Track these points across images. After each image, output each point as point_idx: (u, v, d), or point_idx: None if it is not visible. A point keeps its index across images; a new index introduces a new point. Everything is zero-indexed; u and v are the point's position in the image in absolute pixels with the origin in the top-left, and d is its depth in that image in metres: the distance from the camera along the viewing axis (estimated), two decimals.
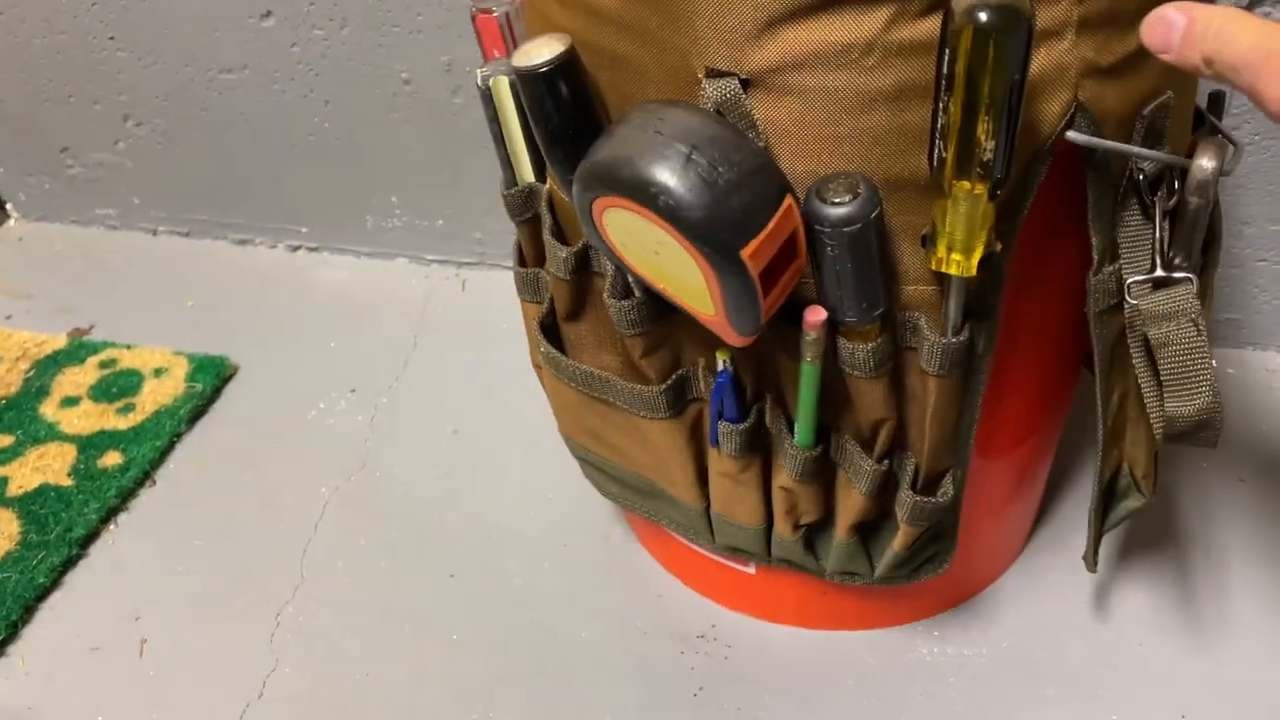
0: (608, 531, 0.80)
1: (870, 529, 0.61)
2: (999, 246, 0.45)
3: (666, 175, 0.41)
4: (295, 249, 1.15)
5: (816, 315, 0.48)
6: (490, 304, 1.05)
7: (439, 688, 0.71)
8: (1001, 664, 0.69)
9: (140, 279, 1.13)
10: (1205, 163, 0.44)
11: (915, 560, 0.61)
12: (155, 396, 0.95)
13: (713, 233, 0.41)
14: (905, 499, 0.56)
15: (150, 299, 1.10)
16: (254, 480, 0.87)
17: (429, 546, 0.80)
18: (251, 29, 0.98)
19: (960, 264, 0.44)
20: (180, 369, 0.98)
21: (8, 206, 1.24)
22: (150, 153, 1.13)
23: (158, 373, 0.97)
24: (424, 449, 0.89)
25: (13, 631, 0.76)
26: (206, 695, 0.72)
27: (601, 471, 0.68)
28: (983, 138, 0.40)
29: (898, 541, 0.59)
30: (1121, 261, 0.50)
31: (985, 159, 0.40)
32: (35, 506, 0.85)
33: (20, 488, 0.86)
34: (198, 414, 0.94)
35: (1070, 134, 0.44)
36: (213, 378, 0.96)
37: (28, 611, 0.78)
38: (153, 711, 0.71)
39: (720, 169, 0.41)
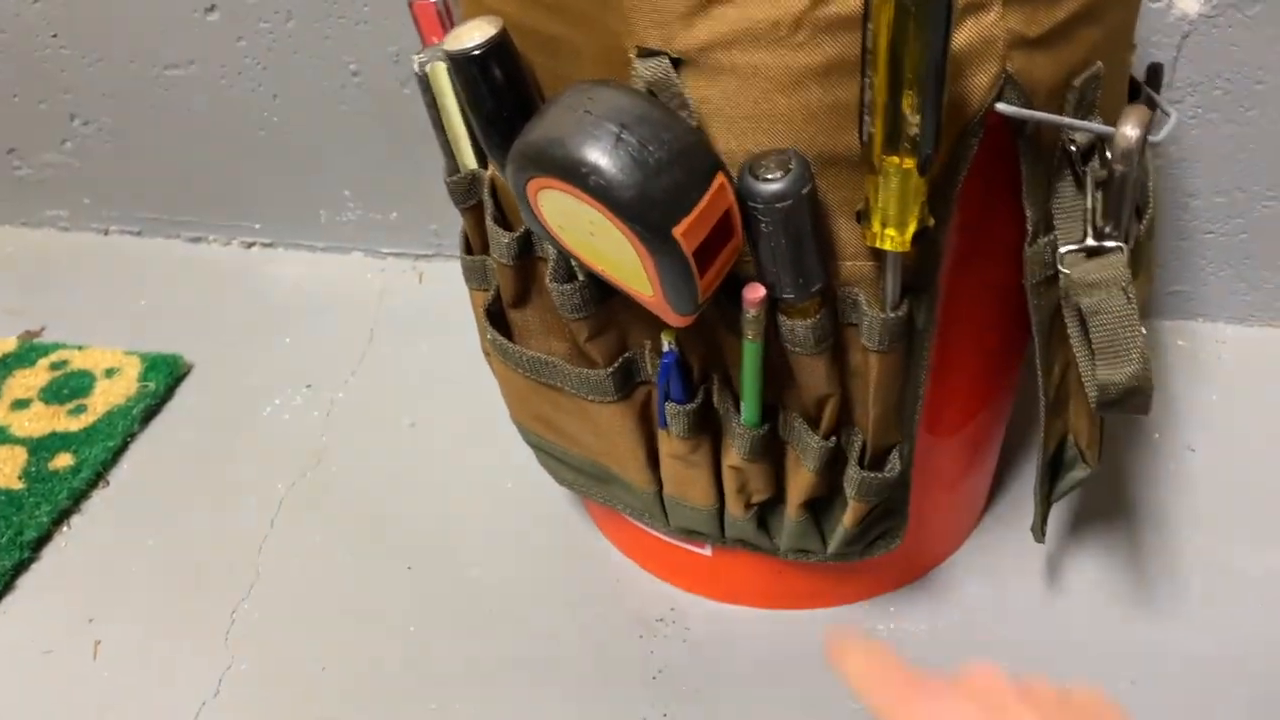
0: (565, 518, 0.80)
1: (821, 506, 0.62)
2: (932, 222, 0.45)
3: (597, 155, 0.41)
4: (249, 245, 1.14)
5: (755, 293, 0.48)
6: (447, 295, 1.04)
7: (397, 680, 0.71)
8: (956, 639, 0.70)
9: (92, 279, 1.12)
10: (1129, 131, 0.44)
11: (867, 537, 0.62)
12: (107, 397, 0.94)
13: (644, 212, 0.41)
14: (853, 475, 0.56)
15: (102, 299, 1.08)
16: (208, 478, 0.87)
17: (386, 540, 0.80)
18: (196, 24, 0.97)
19: (894, 239, 0.45)
20: (133, 369, 0.96)
21: None
22: (99, 152, 1.11)
23: (110, 373, 0.96)
24: (380, 442, 0.88)
25: None
26: (162, 695, 0.71)
27: (554, 458, 0.68)
28: (908, 112, 0.40)
29: (848, 518, 0.59)
30: (1056, 232, 0.50)
31: (912, 133, 0.41)
32: None
33: None
34: (151, 413, 0.93)
35: (1000, 106, 0.44)
36: (166, 377, 0.95)
37: None
38: (107, 713, 0.70)
39: (650, 148, 0.41)
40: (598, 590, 0.75)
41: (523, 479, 0.82)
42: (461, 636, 0.73)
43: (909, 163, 0.42)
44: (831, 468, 0.58)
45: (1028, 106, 0.45)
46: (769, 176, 0.43)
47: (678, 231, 0.42)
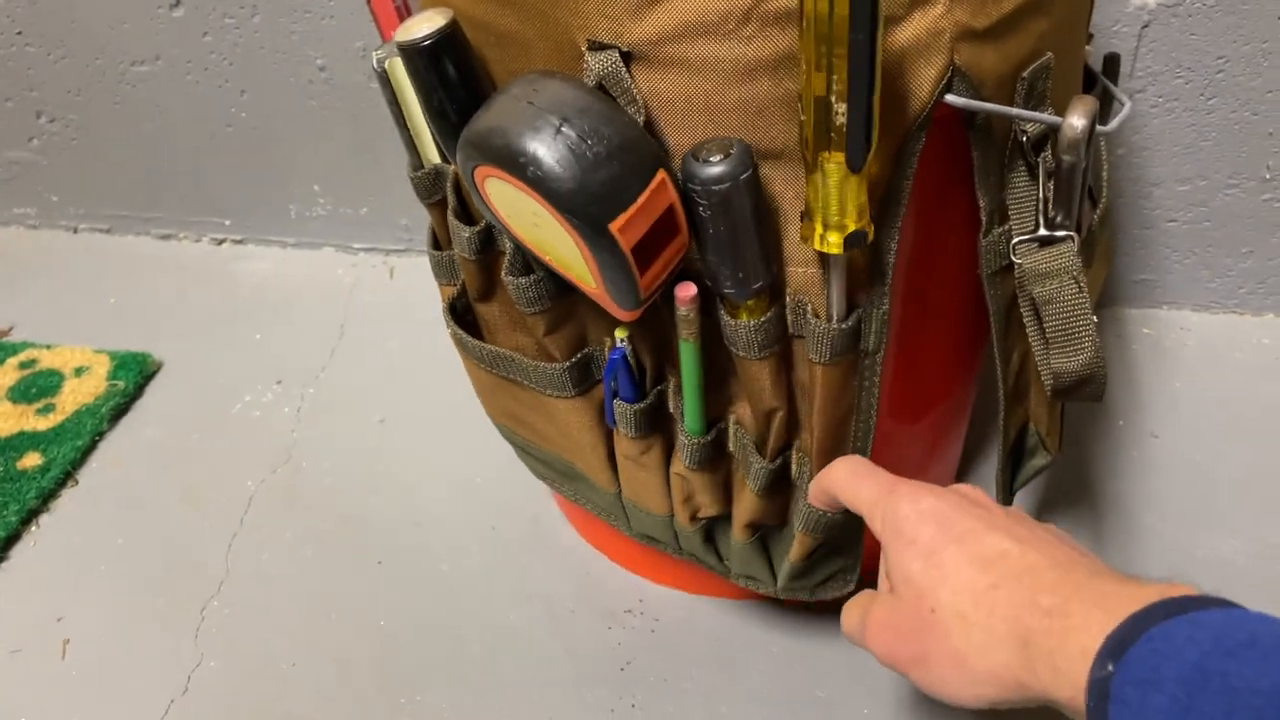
0: (535, 513, 0.80)
1: (772, 534, 0.61)
2: (871, 228, 0.44)
3: (535, 145, 0.41)
4: (219, 242, 1.14)
5: (686, 290, 0.48)
6: (419, 291, 1.04)
7: (367, 676, 0.71)
8: None
9: (61, 278, 1.11)
10: (1075, 121, 0.45)
11: (815, 575, 0.60)
12: (76, 396, 0.93)
13: (581, 205, 0.41)
14: (802, 506, 0.55)
15: (71, 298, 1.08)
16: (178, 477, 0.87)
17: (356, 536, 0.80)
18: (161, 19, 0.97)
19: (834, 243, 0.44)
20: (102, 367, 0.96)
21: None
22: (66, 149, 1.11)
23: (78, 372, 0.96)
24: (351, 439, 0.88)
25: None
26: (131, 694, 0.71)
27: (527, 453, 0.68)
28: (834, 102, 0.40)
29: (794, 551, 0.58)
30: (1011, 223, 0.51)
31: (839, 124, 0.40)
32: None
33: None
34: (120, 412, 0.93)
35: (949, 98, 0.44)
36: (135, 375, 0.95)
37: None
38: (76, 712, 0.70)
39: (590, 141, 0.41)
40: (567, 584, 0.75)
41: (492, 475, 0.83)
42: (431, 631, 0.73)
43: (838, 157, 0.41)
44: (778, 493, 0.57)
45: (977, 98, 0.45)
46: (709, 159, 0.43)
47: (614, 227, 0.42)
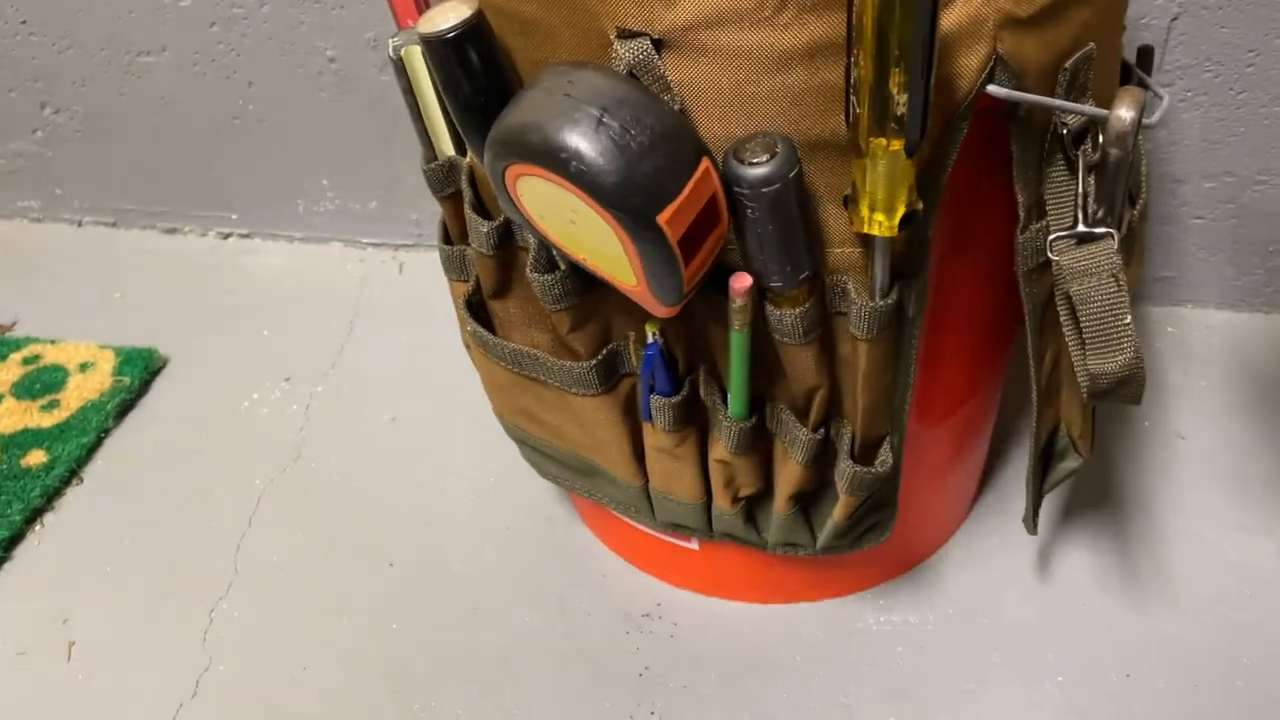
0: (550, 513, 0.79)
1: (810, 499, 0.60)
2: (920, 206, 0.44)
3: (577, 140, 0.39)
4: (226, 236, 1.12)
5: (742, 282, 0.46)
6: (428, 287, 1.02)
7: (378, 680, 0.69)
8: (947, 631, 0.69)
9: (65, 272, 1.10)
10: (1123, 113, 0.43)
11: (856, 530, 0.61)
12: (81, 392, 0.92)
13: (627, 198, 0.40)
14: (844, 469, 0.55)
15: (76, 292, 1.06)
16: (185, 475, 0.85)
17: (367, 536, 0.79)
18: (169, 9, 0.95)
19: (882, 224, 0.43)
20: (107, 363, 0.95)
21: None
22: (71, 141, 1.09)
23: (83, 367, 0.94)
24: (361, 437, 0.87)
25: None
26: (139, 697, 0.69)
27: (538, 452, 0.67)
28: (895, 92, 0.39)
29: (838, 512, 0.58)
30: (1048, 218, 0.49)
31: (899, 114, 0.39)
32: None
33: None
34: (126, 408, 0.91)
35: (991, 88, 0.43)
36: (141, 371, 0.94)
37: None
38: (82, 715, 0.69)
39: (632, 132, 0.40)
40: (583, 586, 0.74)
41: (506, 473, 0.81)
42: (444, 634, 0.71)
43: (896, 145, 0.41)
44: (820, 460, 0.56)
45: (1018, 89, 0.44)
46: (754, 160, 0.42)
47: (662, 219, 0.40)
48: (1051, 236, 0.49)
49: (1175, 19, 0.77)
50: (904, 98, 0.39)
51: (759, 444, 0.57)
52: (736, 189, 0.43)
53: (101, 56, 1.00)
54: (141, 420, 0.91)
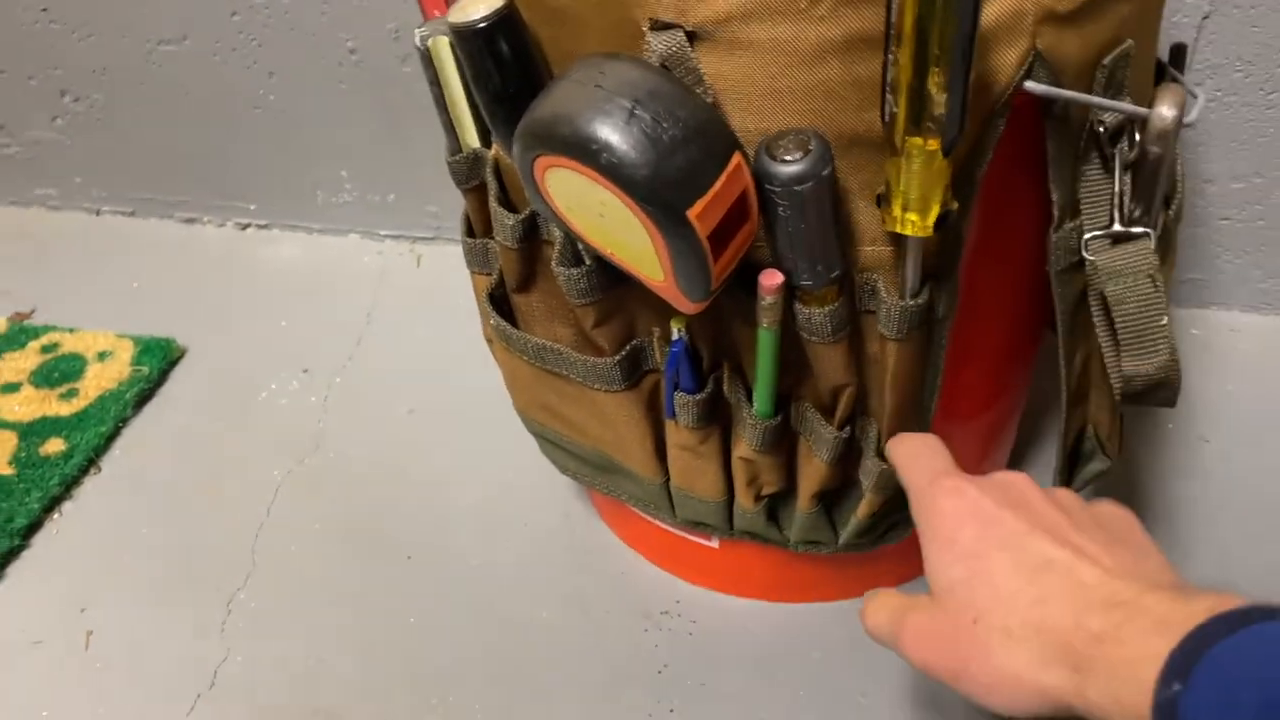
0: (568, 509, 0.78)
1: (833, 497, 0.60)
2: (955, 205, 0.43)
3: (608, 131, 0.39)
4: (244, 227, 1.12)
5: (773, 279, 0.46)
6: (446, 279, 1.02)
7: (396, 673, 0.69)
8: None
9: (83, 260, 1.10)
10: (1165, 111, 0.43)
11: (879, 528, 0.60)
12: (99, 381, 0.92)
13: (658, 192, 0.39)
14: (870, 467, 0.54)
15: (94, 281, 1.06)
16: (203, 465, 0.85)
17: (384, 529, 0.78)
18: None
19: (915, 224, 0.43)
20: (125, 352, 0.94)
21: None
22: (90, 129, 1.09)
23: (102, 356, 0.94)
24: (379, 429, 0.87)
25: None
26: (156, 687, 0.69)
27: (558, 447, 0.67)
28: (934, 90, 0.38)
29: (862, 510, 0.57)
30: (1082, 217, 0.49)
31: (938, 113, 0.39)
32: None
33: None
34: (144, 398, 0.91)
35: (1029, 84, 0.42)
36: (159, 360, 0.93)
37: None
38: (99, 706, 0.69)
39: (664, 124, 0.39)
40: (601, 583, 0.73)
41: (524, 468, 0.81)
42: (462, 629, 0.71)
43: (933, 144, 0.40)
44: (845, 459, 0.56)
45: (1056, 85, 0.43)
46: (788, 157, 0.41)
47: (692, 213, 0.40)
48: (1087, 236, 0.48)
49: (1206, 17, 0.76)
50: (943, 97, 0.38)
51: (783, 442, 0.56)
52: (769, 186, 0.42)
53: (122, 45, 1.00)
54: (159, 410, 0.90)
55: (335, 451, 0.85)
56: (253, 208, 1.11)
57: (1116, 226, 0.48)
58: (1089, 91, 0.45)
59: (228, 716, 0.67)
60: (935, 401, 0.53)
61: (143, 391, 0.91)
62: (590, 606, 0.72)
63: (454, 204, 1.05)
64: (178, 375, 0.94)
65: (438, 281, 1.02)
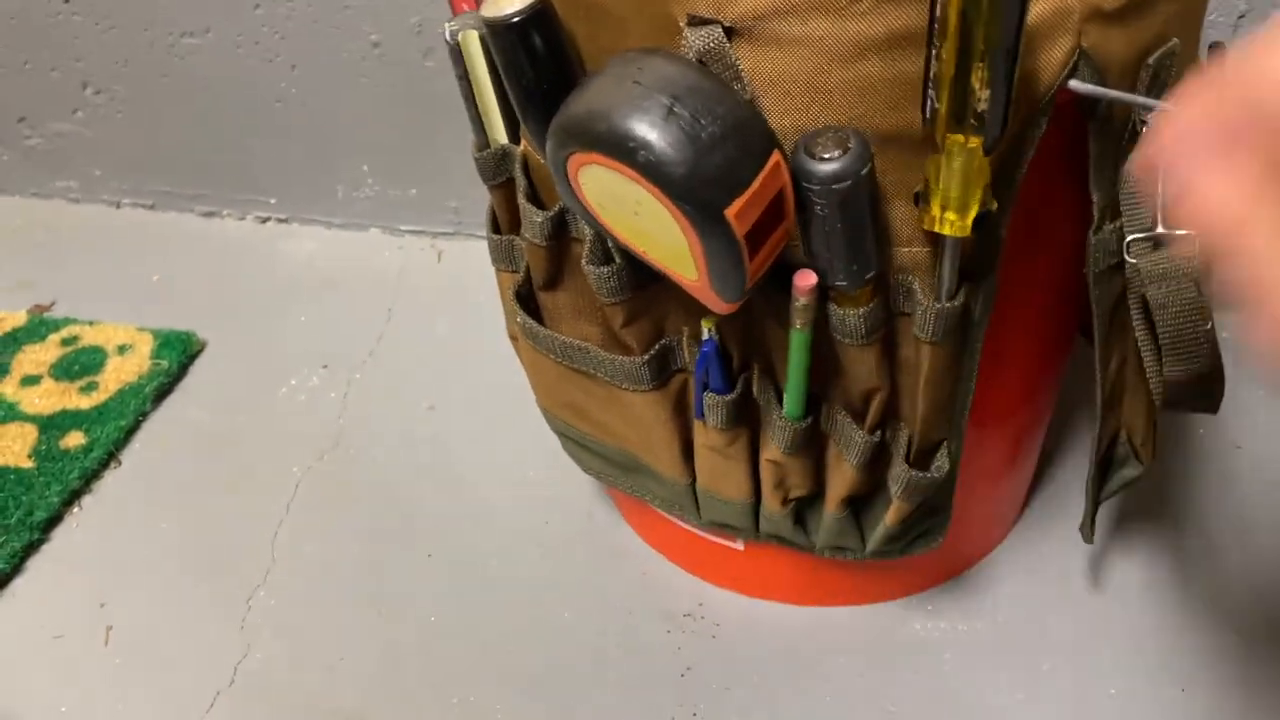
0: (590, 509, 0.78)
1: (861, 502, 0.59)
2: (994, 205, 0.42)
3: (646, 129, 0.38)
4: (264, 220, 1.12)
5: (807, 280, 0.45)
6: (467, 275, 1.02)
7: (416, 672, 0.69)
8: (996, 638, 0.67)
9: (103, 253, 1.09)
10: None
11: (908, 535, 0.59)
12: (119, 374, 0.91)
13: (695, 190, 0.39)
14: (899, 473, 0.53)
15: (114, 274, 1.06)
16: (223, 460, 0.85)
17: (405, 527, 0.78)
18: None
19: (954, 224, 0.42)
20: (145, 345, 0.94)
21: None
22: (111, 122, 1.09)
23: (121, 350, 0.94)
24: (399, 425, 0.86)
25: None
26: (175, 683, 0.69)
27: (582, 446, 0.66)
28: (978, 87, 0.37)
29: (890, 516, 0.56)
30: (1123, 219, 0.48)
31: (980, 110, 0.38)
32: None
33: None
34: (164, 392, 0.91)
35: (1073, 83, 0.41)
36: (179, 354, 0.93)
37: None
38: (119, 701, 0.68)
39: (703, 122, 0.38)
40: (623, 584, 0.73)
41: (545, 466, 0.80)
42: (482, 628, 0.71)
43: (975, 141, 0.39)
44: (874, 463, 0.55)
45: (1101, 84, 0.42)
46: (826, 155, 0.40)
47: (730, 212, 0.39)
48: (1129, 238, 0.47)
49: (1242, 17, 0.75)
50: (986, 93, 0.37)
51: (812, 445, 0.55)
52: (806, 185, 0.41)
53: (144, 37, 1.00)
54: (179, 404, 0.90)
55: (355, 448, 0.85)
56: (273, 201, 1.10)
57: (1160, 229, 0.46)
58: (1132, 90, 0.44)
59: (247, 713, 0.67)
60: (969, 406, 0.52)
61: (162, 385, 0.91)
62: (613, 608, 0.71)
63: (475, 199, 1.04)
64: (197, 369, 0.94)
65: (458, 277, 1.02)
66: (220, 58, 0.99)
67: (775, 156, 0.40)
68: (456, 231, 1.07)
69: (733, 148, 0.39)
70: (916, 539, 0.60)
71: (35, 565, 0.78)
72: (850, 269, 0.44)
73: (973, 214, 0.42)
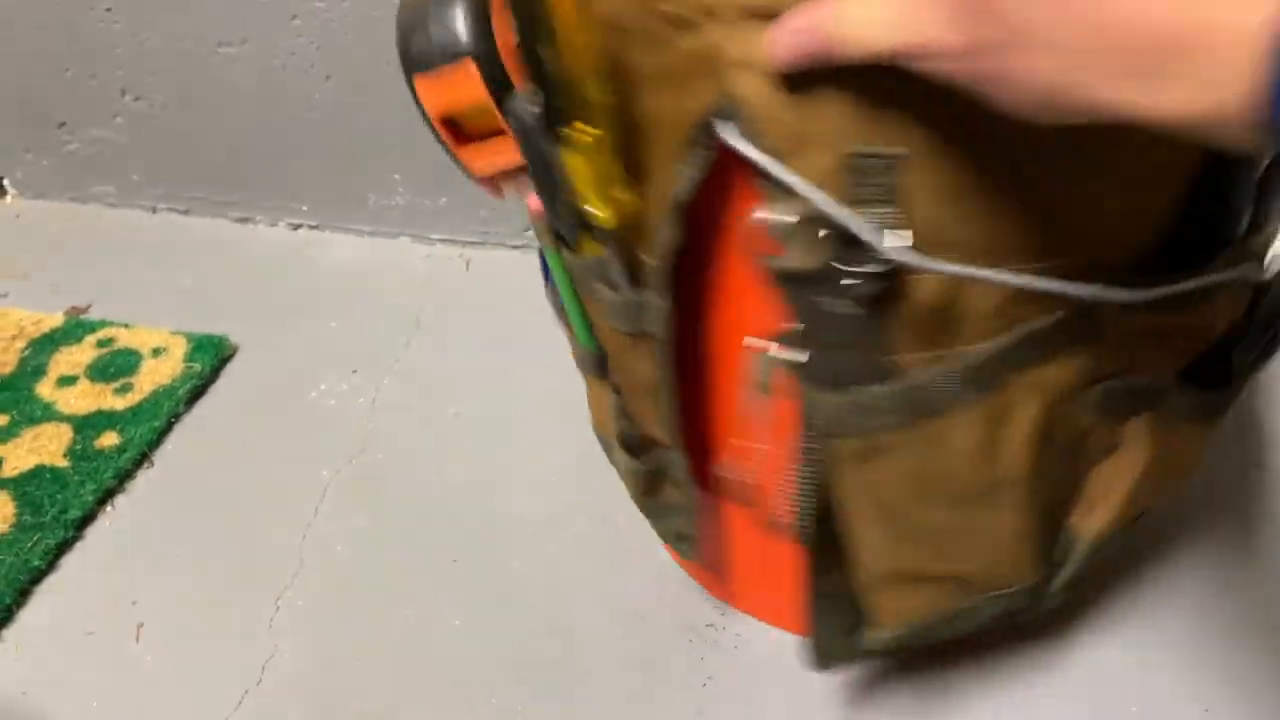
0: (613, 517, 0.78)
1: None
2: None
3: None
4: (296, 227, 1.14)
5: (534, 202, 0.51)
6: (494, 284, 1.03)
7: (440, 675, 0.69)
8: (1017, 660, 0.68)
9: (139, 257, 1.11)
10: None
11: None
12: (153, 376, 0.93)
13: (401, 57, 0.50)
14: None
15: (149, 278, 1.08)
16: (253, 463, 0.86)
17: (431, 531, 0.79)
18: (250, 1, 0.96)
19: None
20: (179, 349, 0.96)
21: (4, 183, 1.22)
22: (149, 128, 1.11)
23: (156, 352, 0.96)
24: (426, 431, 0.87)
25: (7, 615, 0.75)
26: (204, 681, 0.70)
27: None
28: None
29: None
30: None
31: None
32: (30, 488, 0.83)
33: (15, 468, 0.85)
34: (196, 394, 0.92)
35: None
36: (212, 358, 0.95)
37: (22, 595, 0.76)
38: (148, 697, 0.70)
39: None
40: (646, 592, 0.73)
41: (568, 474, 0.81)
42: (506, 633, 0.71)
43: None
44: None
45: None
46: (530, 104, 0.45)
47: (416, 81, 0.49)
48: None
49: None
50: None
51: None
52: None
53: (183, 46, 1.02)
54: (211, 407, 0.92)
55: (383, 453, 0.86)
56: (305, 209, 1.12)
57: None
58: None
59: (275, 712, 0.68)
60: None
61: (195, 388, 0.92)
62: (634, 615, 0.72)
63: (503, 209, 1.06)
64: (229, 373, 0.95)
65: (486, 286, 1.03)
66: (257, 67, 1.01)
67: (466, 61, 0.47)
68: (485, 241, 1.08)
69: (425, 40, 0.49)
70: None
71: (69, 562, 0.79)
72: (555, 211, 0.49)
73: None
